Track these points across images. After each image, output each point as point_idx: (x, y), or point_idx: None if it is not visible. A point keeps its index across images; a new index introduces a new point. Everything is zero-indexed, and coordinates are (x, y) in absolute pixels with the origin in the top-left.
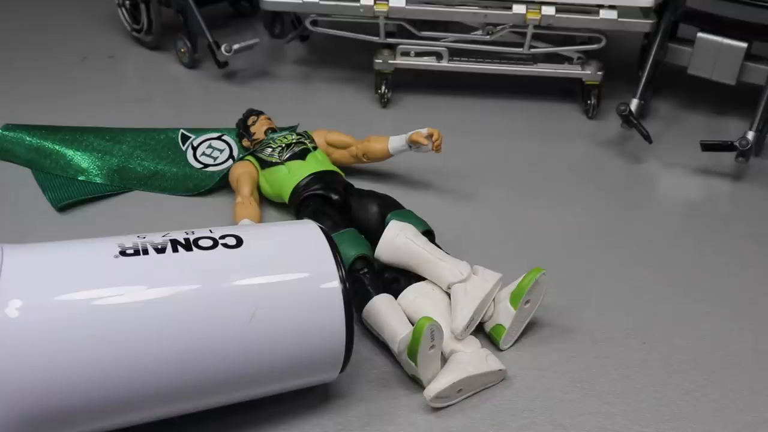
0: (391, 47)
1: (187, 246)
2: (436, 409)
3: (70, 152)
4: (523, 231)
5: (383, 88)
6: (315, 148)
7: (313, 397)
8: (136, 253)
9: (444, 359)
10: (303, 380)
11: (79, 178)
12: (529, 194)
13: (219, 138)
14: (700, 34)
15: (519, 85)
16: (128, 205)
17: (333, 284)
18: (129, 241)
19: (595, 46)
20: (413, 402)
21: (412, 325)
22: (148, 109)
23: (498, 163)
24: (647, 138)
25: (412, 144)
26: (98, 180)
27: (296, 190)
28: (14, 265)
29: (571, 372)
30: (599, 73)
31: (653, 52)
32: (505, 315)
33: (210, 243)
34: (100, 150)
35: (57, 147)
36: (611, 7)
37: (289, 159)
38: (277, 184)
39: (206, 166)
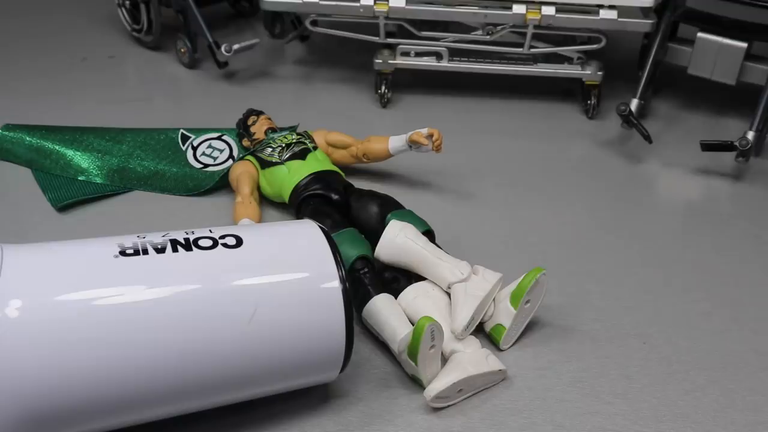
0: (391, 47)
1: (187, 246)
2: (436, 409)
3: (70, 152)
4: (523, 231)
5: (383, 88)
6: (315, 148)
7: (313, 397)
8: (136, 253)
9: (444, 359)
10: (303, 380)
11: (79, 178)
12: (529, 194)
13: (219, 138)
14: (700, 34)
15: (519, 85)
16: (128, 205)
17: (333, 284)
18: (129, 241)
19: (595, 46)
20: (413, 402)
21: (412, 324)
22: (148, 109)
23: (498, 163)
24: (647, 138)
25: (412, 144)
26: (98, 180)
27: (296, 190)
28: (14, 265)
29: (571, 372)
30: (599, 73)
31: (653, 52)
32: (505, 315)
33: (210, 243)
34: (100, 150)
35: (57, 147)
36: (611, 7)
37: (289, 159)
38: (277, 184)
39: (206, 166)
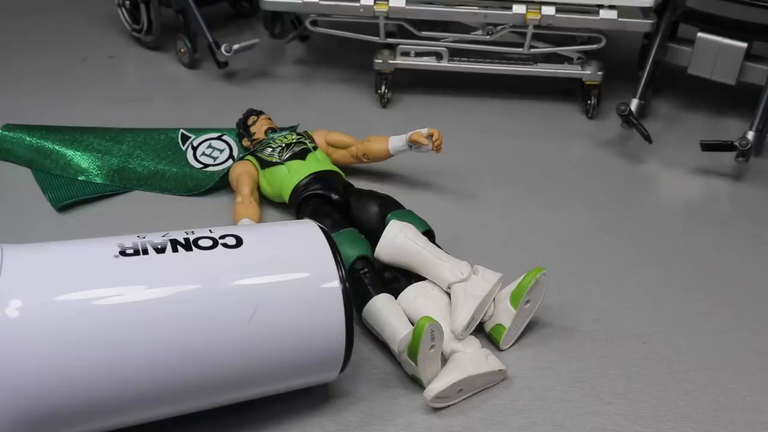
0: (391, 47)
1: (187, 246)
2: (436, 409)
3: (70, 152)
4: (523, 231)
5: (383, 88)
6: (315, 147)
7: (313, 397)
8: (136, 253)
9: (444, 359)
10: (303, 380)
11: (79, 178)
12: (529, 194)
13: (219, 138)
14: (700, 34)
15: (519, 85)
16: (128, 205)
17: (333, 284)
18: (129, 241)
19: (595, 46)
20: (413, 402)
21: (412, 324)
22: (148, 109)
23: (498, 163)
24: (647, 138)
25: (413, 144)
26: (98, 180)
27: (296, 190)
28: (14, 265)
29: (571, 372)
30: (599, 73)
31: (653, 52)
32: (505, 315)
33: (210, 243)
34: (100, 150)
35: (57, 147)
36: (611, 7)
37: (289, 159)
38: (277, 184)
39: (206, 166)
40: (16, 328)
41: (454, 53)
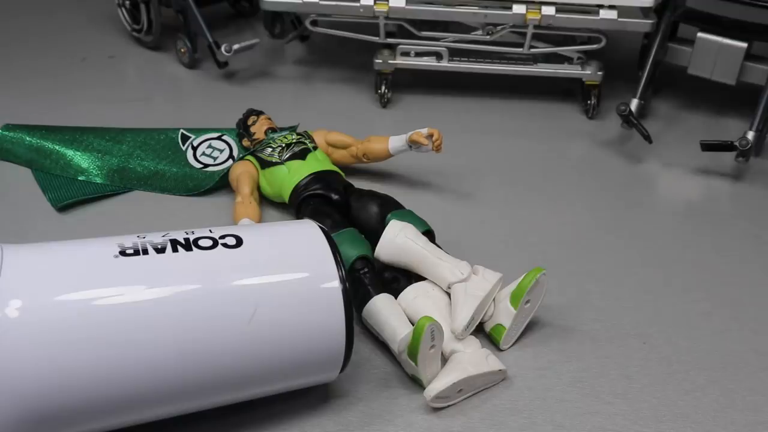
0: (391, 47)
1: (187, 246)
2: (436, 409)
3: (70, 152)
4: (524, 231)
5: (383, 88)
6: (315, 147)
7: (313, 397)
8: (136, 253)
9: (444, 359)
10: (303, 380)
11: (79, 178)
12: (529, 194)
13: (219, 138)
14: (700, 34)
15: (519, 85)
16: (128, 205)
17: (333, 284)
18: (129, 241)
19: (595, 46)
20: (413, 402)
21: (412, 324)
22: (148, 109)
23: (498, 163)
24: (647, 138)
25: (413, 144)
26: (98, 180)
27: (296, 190)
28: (14, 265)
29: (571, 372)
30: (599, 73)
31: (653, 52)
32: (505, 315)
33: (210, 243)
34: (100, 150)
35: (57, 147)
36: (611, 7)
37: (289, 159)
38: (277, 184)
39: (206, 166)
40: (16, 328)
41: (454, 53)
